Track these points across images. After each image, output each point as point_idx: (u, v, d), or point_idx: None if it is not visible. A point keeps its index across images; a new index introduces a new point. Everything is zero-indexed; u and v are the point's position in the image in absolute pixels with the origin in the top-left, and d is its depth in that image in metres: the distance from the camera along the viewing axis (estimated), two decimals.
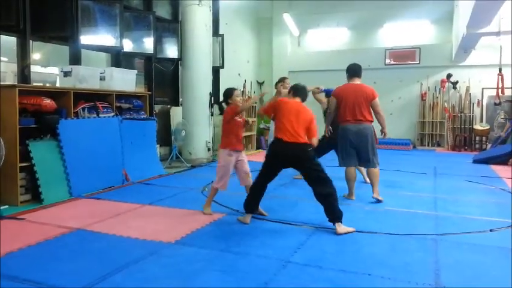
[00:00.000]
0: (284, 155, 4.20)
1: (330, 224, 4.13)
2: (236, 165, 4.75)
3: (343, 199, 5.30)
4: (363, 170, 6.74)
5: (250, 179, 4.76)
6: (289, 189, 5.94)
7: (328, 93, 6.76)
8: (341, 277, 3.05)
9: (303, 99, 4.48)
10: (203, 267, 3.21)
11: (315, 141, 4.35)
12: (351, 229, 4.10)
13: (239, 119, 4.77)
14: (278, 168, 4.33)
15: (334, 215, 4.09)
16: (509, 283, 2.94)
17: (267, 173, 4.35)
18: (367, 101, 5.32)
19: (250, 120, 5.00)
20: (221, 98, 5.01)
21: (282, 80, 7.03)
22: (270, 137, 7.26)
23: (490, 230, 4.22)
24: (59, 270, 3.13)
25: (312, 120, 4.31)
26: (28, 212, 4.74)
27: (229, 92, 4.81)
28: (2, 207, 4.87)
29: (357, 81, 5.47)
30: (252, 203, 4.43)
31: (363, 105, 5.30)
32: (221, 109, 4.99)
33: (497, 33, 8.37)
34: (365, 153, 5.30)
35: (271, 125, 7.33)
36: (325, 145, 6.60)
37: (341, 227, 4.06)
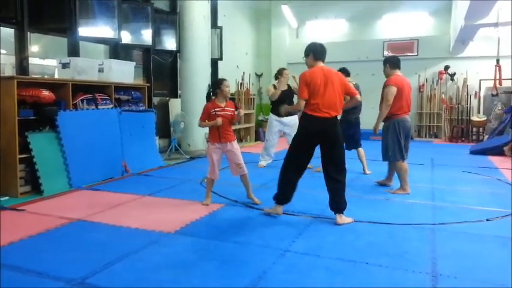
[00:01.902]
0: (322, 131, 3.99)
1: (329, 214, 4.17)
2: (227, 156, 4.81)
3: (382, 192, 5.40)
4: (364, 159, 6.78)
5: (244, 169, 4.79)
6: None
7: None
8: (339, 265, 3.09)
9: (324, 59, 4.22)
10: (202, 256, 3.25)
11: (359, 97, 4.27)
12: (350, 220, 4.13)
13: (221, 112, 4.70)
14: (313, 148, 4.12)
15: (339, 205, 4.09)
16: (505, 271, 2.98)
17: (300, 154, 4.13)
18: (411, 94, 5.40)
19: (242, 112, 4.98)
20: None
21: (281, 71, 7.02)
22: (269, 130, 7.28)
23: (487, 220, 4.27)
24: (60, 260, 3.17)
25: (344, 82, 4.14)
26: (28, 203, 4.77)
27: (218, 83, 4.80)
28: (2, 199, 4.90)
29: (399, 72, 5.41)
30: (286, 192, 4.21)
31: (410, 97, 5.37)
32: (208, 99, 5.00)
33: (496, 25, 8.37)
34: (408, 144, 5.37)
35: (269, 121, 7.35)
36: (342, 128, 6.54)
37: (342, 218, 4.09)
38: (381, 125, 5.46)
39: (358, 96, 4.26)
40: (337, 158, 4.08)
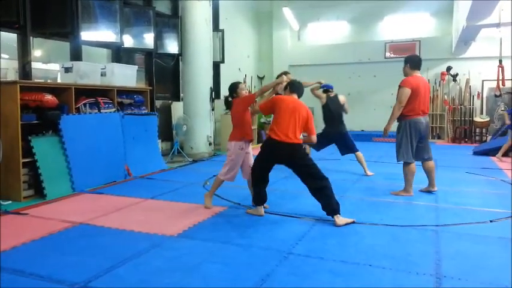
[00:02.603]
0: (277, 154, 4.26)
1: (331, 216, 4.16)
2: (243, 158, 4.74)
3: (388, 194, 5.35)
4: (364, 162, 6.77)
5: None
6: (290, 182, 5.96)
7: (327, 88, 6.78)
8: (342, 268, 3.08)
9: (299, 96, 4.50)
10: (205, 259, 3.25)
11: (314, 138, 4.42)
12: (350, 220, 4.14)
13: (250, 109, 4.76)
14: (271, 164, 4.42)
15: (331, 208, 4.12)
16: (509, 273, 2.97)
17: (261, 168, 4.42)
18: (429, 96, 5.37)
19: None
20: (222, 93, 5.02)
21: (283, 74, 7.03)
22: None
23: (490, 221, 4.25)
24: (63, 263, 3.17)
25: (309, 118, 4.33)
26: (31, 207, 4.78)
27: (234, 86, 4.80)
28: (5, 203, 4.91)
29: (418, 73, 5.37)
30: (258, 195, 4.46)
31: (428, 98, 5.33)
32: (227, 104, 4.95)
33: (498, 25, 8.35)
34: (427, 145, 5.34)
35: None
36: (325, 139, 6.67)
37: (340, 219, 4.09)
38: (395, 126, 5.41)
39: (313, 137, 4.41)
40: (309, 171, 4.21)
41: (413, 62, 5.36)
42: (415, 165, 5.34)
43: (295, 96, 4.44)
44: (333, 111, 6.70)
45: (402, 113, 5.22)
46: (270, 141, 4.27)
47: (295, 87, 4.49)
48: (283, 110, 4.25)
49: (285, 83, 4.71)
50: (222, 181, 4.76)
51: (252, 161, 4.74)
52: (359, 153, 6.77)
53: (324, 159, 7.90)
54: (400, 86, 5.25)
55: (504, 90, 10.60)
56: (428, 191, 5.47)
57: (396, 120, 5.34)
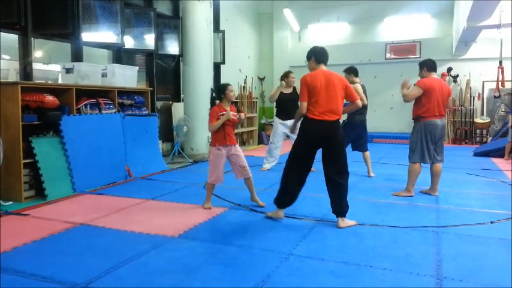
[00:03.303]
0: (321, 136, 3.98)
1: (332, 217, 4.16)
2: (231, 160, 4.79)
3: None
4: (369, 162, 6.76)
5: (249, 172, 4.80)
6: None
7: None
8: (343, 269, 3.08)
9: (326, 63, 4.21)
10: (206, 260, 3.25)
11: (359, 102, 4.23)
12: (352, 223, 4.13)
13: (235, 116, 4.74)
14: (311, 150, 4.08)
15: (341, 209, 4.07)
16: (510, 274, 2.97)
17: (301, 158, 4.10)
18: (447, 98, 5.32)
19: (243, 115, 4.97)
20: None
21: (287, 74, 7.05)
22: (273, 133, 7.28)
23: (491, 222, 4.26)
24: (64, 264, 3.17)
25: (346, 85, 4.11)
26: (32, 208, 4.79)
27: (223, 87, 4.82)
28: (6, 204, 4.91)
29: (435, 75, 5.36)
30: (287, 196, 4.20)
31: (446, 101, 5.30)
32: (212, 104, 4.96)
33: (498, 26, 8.36)
34: (442, 148, 5.33)
35: (274, 125, 7.37)
36: (350, 130, 6.51)
37: (344, 222, 4.07)
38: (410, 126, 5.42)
39: (358, 101, 4.23)
40: (339, 161, 4.05)
41: (428, 65, 5.36)
42: (421, 167, 5.35)
43: (322, 66, 4.17)
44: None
45: (418, 114, 5.23)
46: (311, 123, 4.00)
47: (319, 56, 4.17)
48: (317, 88, 3.96)
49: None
50: (211, 184, 4.80)
51: (241, 161, 4.77)
52: (367, 153, 6.76)
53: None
54: (414, 84, 5.33)
55: (504, 92, 10.60)
56: (428, 194, 5.46)
57: (413, 121, 5.36)
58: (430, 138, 5.20)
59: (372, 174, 6.73)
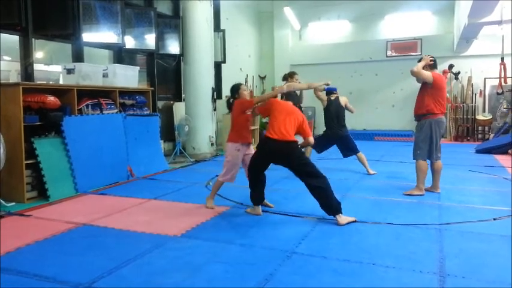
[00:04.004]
0: (273, 152, 4.27)
1: (332, 216, 4.16)
2: (244, 159, 4.76)
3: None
4: (365, 162, 6.76)
5: None
6: (292, 182, 5.94)
7: (329, 91, 6.78)
8: (345, 267, 3.08)
9: (294, 104, 4.63)
10: (209, 259, 3.25)
11: (311, 139, 4.51)
12: (352, 219, 4.14)
13: (248, 112, 4.77)
14: (267, 164, 4.43)
15: (332, 208, 4.10)
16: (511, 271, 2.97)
17: (256, 167, 4.45)
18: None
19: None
20: (224, 93, 5.03)
21: (292, 74, 7.06)
22: None
23: (494, 219, 4.25)
24: (66, 264, 3.18)
25: (303, 121, 4.41)
26: (35, 209, 4.80)
27: (236, 88, 4.84)
28: (9, 204, 4.93)
29: (437, 72, 5.31)
30: (255, 195, 4.51)
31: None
32: (229, 105, 4.93)
33: (499, 22, 8.34)
34: (440, 144, 5.30)
35: None
36: (326, 141, 6.71)
37: (342, 218, 4.09)
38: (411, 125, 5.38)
39: (310, 138, 4.50)
40: (305, 170, 4.19)
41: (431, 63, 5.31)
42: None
43: (290, 103, 4.58)
44: (333, 114, 6.71)
45: (427, 110, 5.12)
46: (266, 140, 4.32)
47: (290, 97, 4.74)
48: (278, 111, 4.36)
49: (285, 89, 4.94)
50: (221, 183, 4.79)
51: None
52: (360, 154, 6.77)
53: (326, 158, 7.89)
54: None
55: (506, 88, 10.58)
56: (431, 191, 5.45)
57: (418, 119, 5.28)
58: (439, 135, 5.18)
59: (371, 171, 6.71)
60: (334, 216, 4.11)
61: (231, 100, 4.88)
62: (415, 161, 5.33)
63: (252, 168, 4.49)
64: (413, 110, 5.37)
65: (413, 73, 5.12)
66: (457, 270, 2.98)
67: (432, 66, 5.26)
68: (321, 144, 6.76)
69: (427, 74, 5.08)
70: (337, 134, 6.71)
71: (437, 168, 5.34)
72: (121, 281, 2.89)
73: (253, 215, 4.46)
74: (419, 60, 5.27)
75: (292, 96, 4.68)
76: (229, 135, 4.75)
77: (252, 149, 4.84)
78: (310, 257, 3.26)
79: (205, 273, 2.99)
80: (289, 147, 4.23)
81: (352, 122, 12.17)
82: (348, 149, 6.77)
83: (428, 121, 5.14)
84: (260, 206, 4.52)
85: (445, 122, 5.24)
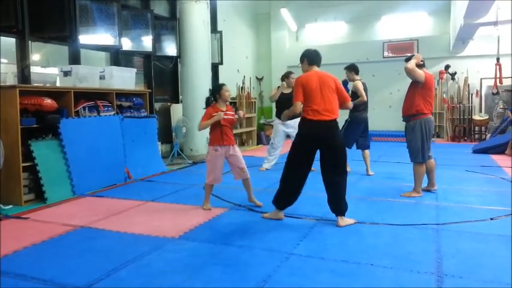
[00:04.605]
0: (315, 134, 3.98)
1: (332, 216, 4.16)
2: (229, 161, 4.79)
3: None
4: (368, 161, 6.76)
5: (247, 173, 4.79)
6: None
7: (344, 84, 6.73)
8: (344, 268, 3.09)
9: (319, 64, 4.24)
10: (207, 261, 3.25)
11: (350, 104, 4.26)
12: (351, 221, 4.13)
13: (225, 116, 4.71)
14: (309, 150, 4.07)
15: (340, 208, 4.08)
16: (510, 271, 2.98)
17: (300, 159, 4.08)
18: None
19: (241, 113, 5.00)
20: None
21: (287, 74, 7.07)
22: (274, 134, 7.30)
23: (491, 219, 4.26)
24: (65, 267, 3.17)
25: (337, 85, 4.10)
26: (32, 211, 4.79)
27: (217, 87, 4.81)
28: (6, 207, 4.91)
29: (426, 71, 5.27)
30: (286, 197, 4.21)
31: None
32: (207, 104, 4.88)
33: (495, 23, 8.37)
34: (430, 143, 5.28)
35: (274, 125, 7.39)
36: (357, 127, 6.61)
37: (343, 220, 4.08)
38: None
39: (349, 103, 4.26)
40: (337, 161, 4.05)
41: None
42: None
43: (315, 68, 4.19)
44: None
45: (417, 110, 5.09)
46: (305, 122, 4.02)
47: (314, 58, 4.20)
48: (311, 89, 3.99)
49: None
50: (210, 185, 4.80)
51: (240, 162, 4.76)
52: (367, 152, 6.77)
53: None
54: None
55: (502, 88, 10.62)
56: (428, 190, 5.46)
57: (406, 120, 5.25)
58: (429, 134, 5.17)
59: (370, 172, 6.73)
60: (337, 216, 4.10)
61: (211, 100, 4.83)
62: (412, 163, 5.31)
63: (294, 162, 4.10)
64: (402, 111, 5.30)
65: (407, 70, 5.03)
66: (455, 270, 2.99)
67: (422, 65, 5.24)
68: (354, 132, 6.61)
69: (420, 73, 5.04)
70: (366, 118, 6.66)
71: (431, 167, 5.35)
72: (119, 283, 2.88)
73: (273, 219, 4.26)
74: (409, 59, 5.18)
75: (314, 57, 4.19)
76: (209, 137, 4.82)
77: (237, 150, 4.83)
78: (308, 258, 3.27)
79: (204, 274, 2.99)
80: (330, 126, 3.97)
81: None
82: (365, 141, 6.70)
83: (418, 122, 5.10)
84: (282, 211, 4.29)
85: (433, 121, 5.24)
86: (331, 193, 4.10)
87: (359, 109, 6.49)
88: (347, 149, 6.62)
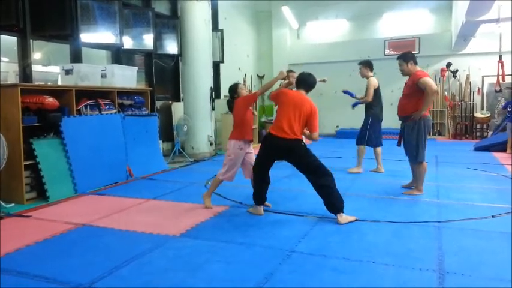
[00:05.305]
0: (276, 149, 4.22)
1: (333, 214, 4.16)
2: (245, 158, 4.73)
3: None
4: (380, 158, 6.74)
5: None
6: (292, 181, 5.97)
7: (347, 94, 6.81)
8: (345, 265, 3.09)
9: (308, 90, 4.37)
10: (208, 258, 3.26)
11: (316, 135, 4.29)
12: (352, 218, 4.14)
13: (251, 108, 4.78)
14: (271, 161, 4.38)
15: (335, 206, 4.11)
16: (511, 268, 2.98)
17: (261, 164, 4.39)
18: None
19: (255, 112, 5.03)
20: (222, 93, 5.02)
21: (288, 72, 7.06)
22: None
23: (492, 216, 4.26)
24: (66, 265, 3.18)
25: (312, 114, 4.20)
26: (34, 210, 4.80)
27: (234, 87, 4.83)
28: (8, 206, 4.92)
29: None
30: (258, 195, 4.47)
31: None
32: (230, 105, 4.89)
33: (497, 20, 8.35)
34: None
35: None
36: (378, 124, 6.64)
37: (342, 217, 4.09)
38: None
39: (314, 134, 4.28)
40: (307, 167, 4.18)
41: (415, 58, 5.26)
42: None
43: (302, 91, 4.32)
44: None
45: (419, 110, 5.04)
46: (269, 136, 4.26)
47: (300, 82, 4.38)
48: (285, 104, 4.22)
49: (286, 78, 4.78)
50: (220, 181, 4.76)
51: (253, 160, 4.73)
52: (380, 149, 6.78)
53: (326, 157, 7.89)
54: (420, 78, 4.98)
55: (504, 86, 10.60)
56: (410, 187, 5.46)
57: (405, 120, 5.21)
58: (427, 134, 5.16)
59: (382, 169, 6.70)
60: (335, 215, 4.11)
61: (231, 101, 4.86)
62: (414, 164, 5.26)
63: (257, 165, 4.44)
64: (401, 111, 5.25)
65: (435, 89, 4.98)
66: (456, 268, 2.99)
67: (416, 62, 5.24)
68: (379, 132, 6.63)
69: (434, 84, 5.01)
70: (380, 117, 6.71)
71: (421, 170, 5.32)
72: (121, 281, 2.89)
73: (255, 214, 4.44)
74: (402, 56, 5.30)
75: (303, 82, 4.32)
76: (233, 133, 4.70)
77: (252, 148, 4.84)
78: (310, 256, 3.27)
79: (205, 272, 3.00)
80: (291, 144, 4.16)
81: (351, 121, 12.21)
82: (378, 137, 6.72)
83: (419, 120, 5.07)
84: (262, 206, 4.50)
85: (431, 120, 5.21)
86: (323, 196, 4.16)
87: (374, 105, 6.50)
88: (379, 147, 6.73)
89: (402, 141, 5.37)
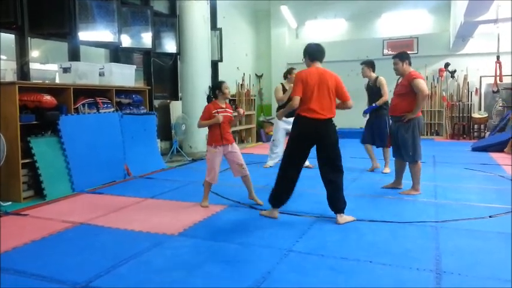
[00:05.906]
0: (308, 132, 3.99)
1: (331, 214, 4.17)
2: (228, 158, 4.78)
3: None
4: (388, 157, 6.71)
5: (246, 170, 4.78)
6: None
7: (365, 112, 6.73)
8: (343, 265, 3.09)
9: (322, 59, 4.20)
10: (206, 258, 3.25)
11: (351, 103, 4.15)
12: (351, 218, 4.14)
13: (223, 113, 4.70)
14: (304, 149, 4.08)
15: (338, 206, 4.09)
16: (509, 268, 2.98)
17: (292, 156, 4.10)
18: None
19: (241, 111, 5.01)
20: None
21: (290, 70, 7.05)
22: (275, 131, 7.29)
23: (490, 216, 4.27)
24: (64, 264, 3.17)
25: (338, 84, 4.06)
26: (31, 208, 4.79)
27: (218, 84, 4.81)
28: (5, 204, 4.91)
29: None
30: (278, 195, 4.20)
31: None
32: (209, 101, 4.89)
33: (495, 21, 8.37)
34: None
35: (275, 122, 7.38)
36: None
37: (342, 218, 4.09)
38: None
39: (349, 102, 4.15)
40: (332, 159, 4.06)
41: (410, 59, 5.25)
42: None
43: (317, 64, 4.16)
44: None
45: (411, 109, 5.06)
46: (300, 120, 4.01)
47: (313, 54, 4.17)
48: (309, 85, 3.96)
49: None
50: (209, 183, 4.80)
51: (239, 159, 4.74)
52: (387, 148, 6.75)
53: None
54: (415, 79, 5.00)
55: (502, 86, 10.62)
56: (394, 188, 5.47)
57: (398, 120, 5.19)
58: (419, 133, 5.18)
59: (387, 170, 6.68)
60: (336, 214, 4.11)
61: (211, 97, 4.86)
62: (410, 163, 5.26)
63: (287, 157, 4.12)
64: (395, 110, 5.25)
65: (426, 93, 5.02)
66: (453, 268, 3.00)
67: (410, 63, 5.23)
68: (385, 131, 6.55)
69: (426, 87, 5.05)
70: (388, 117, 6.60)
71: (403, 165, 5.36)
72: (119, 279, 2.89)
73: (268, 217, 4.25)
74: (398, 56, 5.24)
75: (314, 53, 4.16)
76: (208, 136, 4.82)
77: (236, 147, 4.83)
78: (308, 255, 3.27)
79: (203, 271, 3.00)
80: (328, 125, 3.98)
81: (349, 121, 12.20)
82: (387, 137, 6.70)
83: (413, 120, 5.09)
84: (277, 209, 4.27)
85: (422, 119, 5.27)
86: (329, 192, 4.11)
87: (387, 104, 6.53)
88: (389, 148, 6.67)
89: (394, 142, 5.32)
